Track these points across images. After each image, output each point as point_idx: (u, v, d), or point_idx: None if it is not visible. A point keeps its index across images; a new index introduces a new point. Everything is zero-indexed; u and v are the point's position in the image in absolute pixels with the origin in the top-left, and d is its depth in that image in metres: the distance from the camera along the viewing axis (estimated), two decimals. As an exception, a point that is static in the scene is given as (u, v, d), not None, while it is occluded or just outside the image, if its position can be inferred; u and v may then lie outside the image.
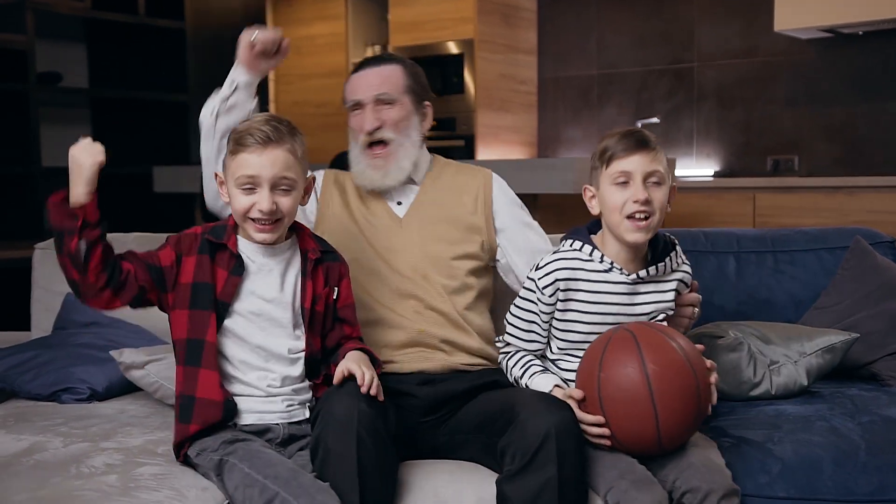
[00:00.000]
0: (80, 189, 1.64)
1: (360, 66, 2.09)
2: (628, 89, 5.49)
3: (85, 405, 2.15)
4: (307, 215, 2.10)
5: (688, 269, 1.93)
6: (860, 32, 4.59)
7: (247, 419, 1.76)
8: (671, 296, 1.89)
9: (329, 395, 1.70)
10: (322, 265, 1.84)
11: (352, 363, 1.73)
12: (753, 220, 4.25)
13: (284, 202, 1.75)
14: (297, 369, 1.80)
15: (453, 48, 5.63)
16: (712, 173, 5.14)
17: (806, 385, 2.13)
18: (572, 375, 1.85)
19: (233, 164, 1.75)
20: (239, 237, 1.81)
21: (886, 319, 2.28)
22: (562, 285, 1.84)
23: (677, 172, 4.14)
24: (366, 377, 1.69)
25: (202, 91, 2.11)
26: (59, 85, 4.95)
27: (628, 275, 1.84)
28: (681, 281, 1.91)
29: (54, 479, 1.67)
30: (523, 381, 1.86)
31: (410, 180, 2.10)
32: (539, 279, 1.85)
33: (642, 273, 1.84)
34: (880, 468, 1.78)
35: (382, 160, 2.04)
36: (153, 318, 2.36)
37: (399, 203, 2.10)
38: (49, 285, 2.54)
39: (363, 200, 2.10)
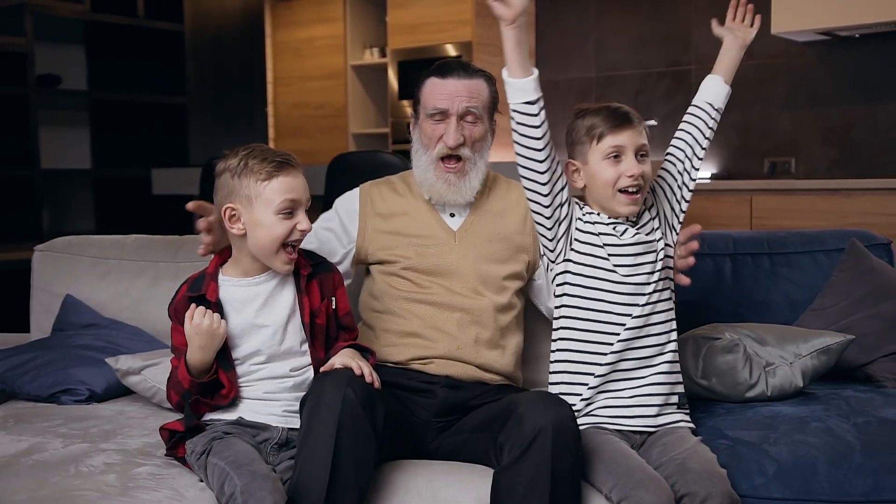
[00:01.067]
0: (213, 354, 1.71)
1: (445, 72, 2.01)
2: (627, 91, 5.49)
3: (84, 406, 2.16)
4: (347, 233, 2.07)
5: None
6: (857, 35, 4.60)
7: (247, 415, 1.77)
8: (650, 229, 1.97)
9: (319, 381, 1.71)
10: (315, 278, 1.83)
11: (345, 358, 1.74)
12: (750, 222, 4.26)
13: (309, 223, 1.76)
14: (301, 382, 1.81)
15: (451, 50, 5.64)
16: (709, 175, 5.14)
17: (801, 386, 2.13)
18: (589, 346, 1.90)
19: (267, 191, 1.70)
20: (221, 280, 1.79)
21: (881, 321, 2.28)
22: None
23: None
24: (364, 370, 1.71)
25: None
26: (59, 87, 4.96)
27: (612, 218, 1.94)
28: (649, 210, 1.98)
29: (53, 479, 1.67)
30: None
31: None
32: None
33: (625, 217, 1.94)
34: (875, 469, 1.78)
35: (455, 176, 1.99)
36: (152, 320, 2.38)
37: (452, 215, 2.07)
38: (48, 287, 2.54)
39: (415, 210, 2.06)
